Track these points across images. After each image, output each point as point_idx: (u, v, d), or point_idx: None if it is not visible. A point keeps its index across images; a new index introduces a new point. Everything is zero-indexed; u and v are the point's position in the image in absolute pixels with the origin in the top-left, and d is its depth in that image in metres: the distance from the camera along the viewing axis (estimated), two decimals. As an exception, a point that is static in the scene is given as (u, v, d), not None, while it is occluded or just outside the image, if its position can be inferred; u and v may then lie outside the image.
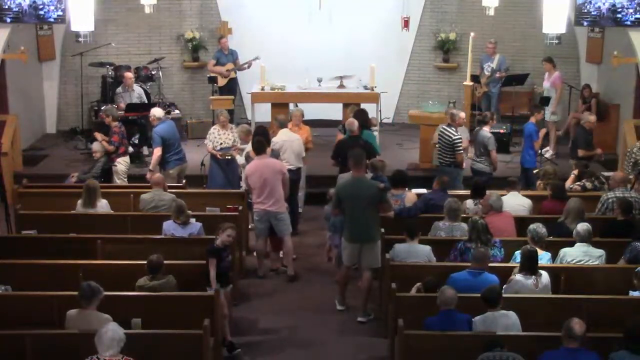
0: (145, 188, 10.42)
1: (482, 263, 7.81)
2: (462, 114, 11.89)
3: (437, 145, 11.98)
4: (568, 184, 10.79)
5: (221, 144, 11.49)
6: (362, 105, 13.95)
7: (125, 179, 11.82)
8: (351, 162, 9.14)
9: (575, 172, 11.04)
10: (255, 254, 10.40)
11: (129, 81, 13.93)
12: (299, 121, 11.79)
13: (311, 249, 11.09)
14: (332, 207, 9.30)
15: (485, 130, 11.72)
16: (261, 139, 10.42)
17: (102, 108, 12.73)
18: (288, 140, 11.21)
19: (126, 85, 13.96)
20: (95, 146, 11.73)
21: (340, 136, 11.79)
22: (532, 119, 12.36)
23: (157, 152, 11.45)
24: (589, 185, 10.75)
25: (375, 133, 12.18)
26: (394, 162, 12.84)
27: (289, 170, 10.61)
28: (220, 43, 15.21)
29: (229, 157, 11.52)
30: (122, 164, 11.74)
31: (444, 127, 11.66)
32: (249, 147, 10.82)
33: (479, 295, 7.26)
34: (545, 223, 8.60)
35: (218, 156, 11.47)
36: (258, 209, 9.97)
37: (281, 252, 10.36)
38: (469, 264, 8.03)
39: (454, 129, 11.46)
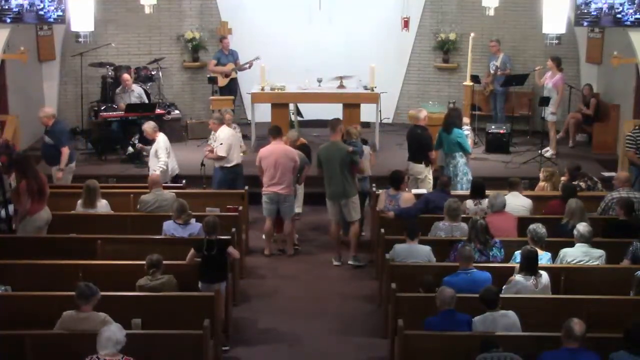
0: (145, 188, 10.43)
1: (470, 261, 7.85)
2: None
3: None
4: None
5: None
6: (362, 106, 14.05)
7: None
8: (328, 128, 10.58)
9: (566, 174, 10.96)
10: (263, 236, 10.88)
11: (127, 83, 13.96)
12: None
13: (310, 250, 11.11)
14: (317, 167, 10.52)
15: None
16: (277, 126, 11.11)
17: None
18: (234, 135, 11.53)
19: (125, 87, 13.99)
20: None
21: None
22: None
23: (68, 150, 11.46)
24: (583, 185, 10.78)
25: (467, 132, 12.26)
26: (394, 162, 12.83)
27: (235, 166, 11.39)
28: (222, 43, 15.23)
29: None
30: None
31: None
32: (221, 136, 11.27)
33: (468, 295, 7.31)
34: (546, 223, 8.60)
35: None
36: (269, 191, 10.55)
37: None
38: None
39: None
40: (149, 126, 11.56)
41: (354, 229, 10.51)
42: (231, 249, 8.50)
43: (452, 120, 11.55)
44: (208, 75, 15.31)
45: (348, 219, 10.46)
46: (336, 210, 10.45)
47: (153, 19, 15.37)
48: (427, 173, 11.49)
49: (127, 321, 7.19)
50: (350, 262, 10.53)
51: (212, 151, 11.45)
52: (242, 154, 11.89)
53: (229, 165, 11.35)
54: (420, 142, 11.53)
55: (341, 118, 13.75)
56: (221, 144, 11.24)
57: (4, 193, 9.59)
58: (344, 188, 10.31)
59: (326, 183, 10.45)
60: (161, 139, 11.38)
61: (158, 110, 14.24)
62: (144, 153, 12.16)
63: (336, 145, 10.38)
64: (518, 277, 7.79)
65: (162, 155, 11.25)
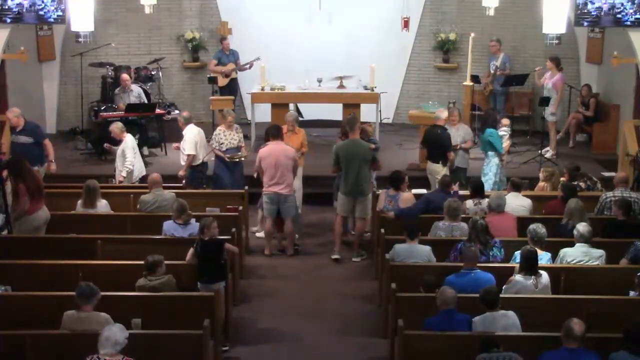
0: (145, 188, 10.43)
1: (475, 262, 7.85)
2: None
3: None
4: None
5: (221, 144, 11.52)
6: (362, 106, 14.04)
7: None
8: (347, 127, 10.65)
9: (566, 174, 10.96)
10: (263, 235, 10.95)
11: (126, 82, 13.95)
12: (293, 126, 11.58)
13: (310, 249, 11.11)
14: (332, 165, 10.63)
15: None
16: (277, 124, 11.20)
17: None
18: (200, 134, 11.57)
19: (124, 87, 13.99)
20: None
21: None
22: None
23: (49, 141, 11.52)
24: (582, 185, 10.80)
25: (503, 133, 12.37)
26: (394, 162, 12.85)
27: (200, 165, 11.51)
28: (223, 44, 15.23)
29: (237, 160, 11.65)
30: None
31: None
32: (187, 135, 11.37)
33: (469, 295, 7.31)
34: (546, 223, 8.60)
35: (226, 159, 11.52)
36: (269, 192, 10.58)
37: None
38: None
39: None
40: (116, 127, 11.59)
41: (361, 225, 10.59)
42: (228, 246, 8.51)
43: (484, 120, 12.03)
44: (208, 75, 15.31)
45: (362, 215, 10.56)
46: (349, 207, 10.51)
47: (153, 19, 15.37)
48: (443, 173, 11.48)
49: (127, 321, 7.18)
50: (353, 259, 10.63)
51: (178, 147, 11.57)
52: (243, 158, 11.81)
53: (194, 164, 11.40)
54: (438, 142, 11.63)
55: (341, 118, 13.82)
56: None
57: (4, 196, 9.57)
58: (363, 186, 10.43)
59: (344, 180, 10.49)
60: (129, 139, 11.44)
61: (158, 110, 14.23)
62: (107, 148, 12.24)
63: (357, 143, 10.46)
64: (518, 277, 7.79)
65: (129, 154, 11.29)
